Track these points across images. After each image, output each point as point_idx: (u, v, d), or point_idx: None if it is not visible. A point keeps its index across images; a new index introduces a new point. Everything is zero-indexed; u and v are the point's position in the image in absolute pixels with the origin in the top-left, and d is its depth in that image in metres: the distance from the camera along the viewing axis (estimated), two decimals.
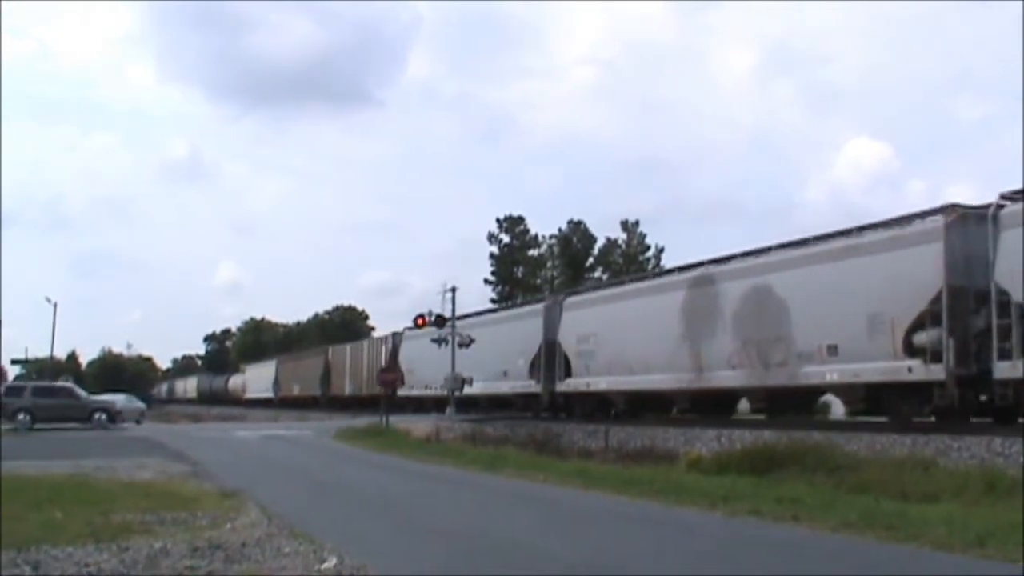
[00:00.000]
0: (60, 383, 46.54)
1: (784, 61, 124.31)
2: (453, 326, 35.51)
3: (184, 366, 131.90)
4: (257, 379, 75.76)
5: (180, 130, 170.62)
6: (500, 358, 34.73)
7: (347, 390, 53.75)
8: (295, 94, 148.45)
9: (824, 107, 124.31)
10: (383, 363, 45.02)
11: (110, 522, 10.13)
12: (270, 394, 66.50)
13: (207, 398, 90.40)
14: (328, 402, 57.37)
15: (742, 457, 16.83)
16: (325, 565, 8.04)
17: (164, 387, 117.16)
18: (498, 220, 76.07)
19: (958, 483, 12.81)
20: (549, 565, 8.54)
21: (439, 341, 35.46)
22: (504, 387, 34.86)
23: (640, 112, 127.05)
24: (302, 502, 13.46)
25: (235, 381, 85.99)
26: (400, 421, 33.26)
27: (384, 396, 35.78)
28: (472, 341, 34.90)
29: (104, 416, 36.83)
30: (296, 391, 64.49)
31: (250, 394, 77.33)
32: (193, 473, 17.40)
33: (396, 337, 47.05)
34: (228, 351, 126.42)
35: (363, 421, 35.35)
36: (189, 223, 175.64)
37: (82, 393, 40.47)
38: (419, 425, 30.95)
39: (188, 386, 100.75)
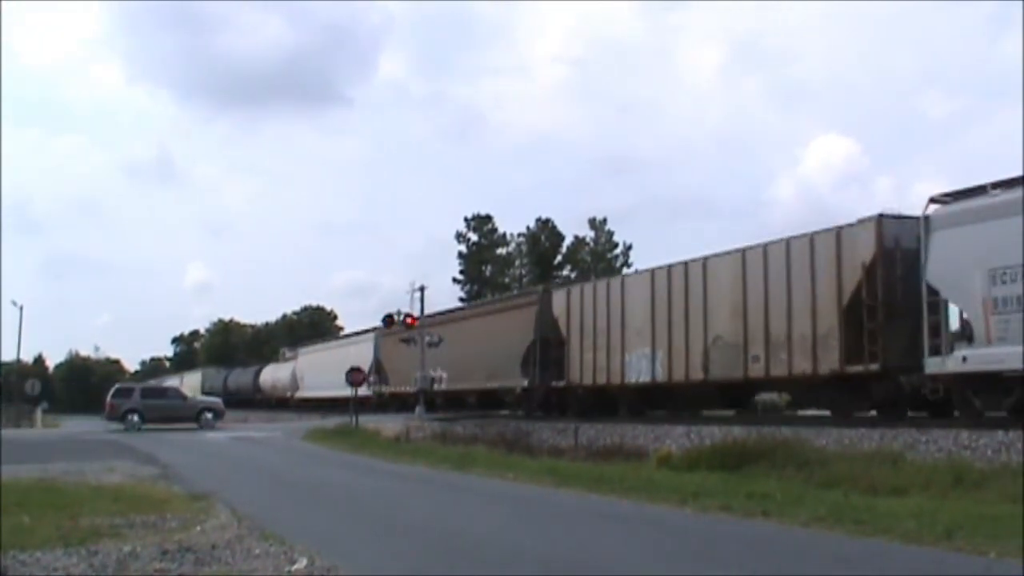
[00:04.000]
0: (166, 384, 50.53)
1: (752, 59, 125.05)
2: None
3: (152, 368, 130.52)
4: (327, 368, 49.18)
5: (149, 131, 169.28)
6: None
7: (637, 375, 25.73)
8: (266, 94, 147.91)
9: (792, 104, 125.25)
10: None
11: (79, 526, 10.00)
12: (362, 390, 39.96)
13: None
14: (539, 403, 30.96)
15: (712, 453, 16.86)
16: (296, 566, 8.01)
17: None
18: (466, 219, 76.09)
19: (926, 476, 12.90)
20: (522, 563, 8.55)
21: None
22: None
23: (609, 110, 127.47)
24: (272, 503, 13.42)
25: (274, 374, 63.82)
26: (370, 421, 33.12)
27: (353, 396, 35.39)
28: (440, 340, 34.59)
29: (211, 415, 38.89)
30: (441, 384, 36.80)
31: (311, 391, 54.24)
32: (162, 476, 17.29)
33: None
34: (196, 352, 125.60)
35: (332, 422, 35.15)
36: (158, 224, 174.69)
37: (188, 394, 45.06)
38: (388, 425, 30.88)
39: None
